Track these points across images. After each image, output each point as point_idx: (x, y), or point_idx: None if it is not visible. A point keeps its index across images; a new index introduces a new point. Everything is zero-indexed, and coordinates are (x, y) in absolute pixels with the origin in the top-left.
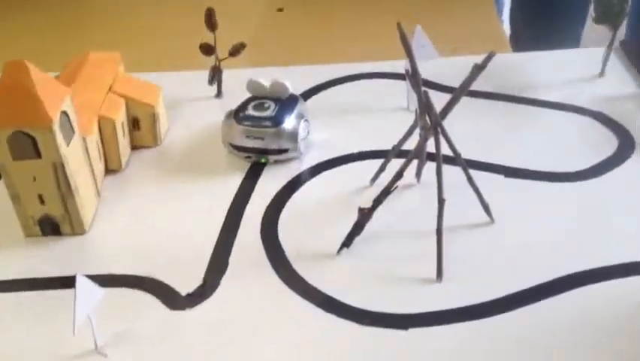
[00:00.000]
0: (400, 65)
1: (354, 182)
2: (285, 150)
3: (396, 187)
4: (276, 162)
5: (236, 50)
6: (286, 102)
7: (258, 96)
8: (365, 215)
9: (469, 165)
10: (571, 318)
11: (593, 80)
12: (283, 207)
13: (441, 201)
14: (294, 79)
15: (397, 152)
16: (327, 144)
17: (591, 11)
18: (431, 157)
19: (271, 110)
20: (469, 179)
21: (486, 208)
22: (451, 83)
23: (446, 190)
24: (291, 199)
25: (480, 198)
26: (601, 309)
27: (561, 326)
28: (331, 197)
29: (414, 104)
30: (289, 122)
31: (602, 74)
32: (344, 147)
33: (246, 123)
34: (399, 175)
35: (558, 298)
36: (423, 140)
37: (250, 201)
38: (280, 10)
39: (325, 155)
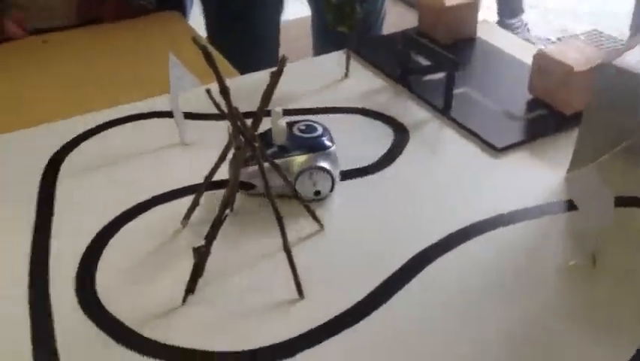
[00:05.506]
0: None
1: (164, 227)
2: None
3: (226, 216)
4: None
5: None
6: None
7: None
8: (203, 253)
9: None
10: (444, 286)
11: (342, 82)
12: (95, 269)
13: (280, 219)
14: None
15: (206, 184)
16: (111, 195)
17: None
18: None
19: None
20: (294, 191)
21: (313, 216)
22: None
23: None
24: (101, 261)
25: (307, 208)
26: (456, 278)
27: (435, 299)
28: (147, 250)
29: (186, 136)
30: None
31: (346, 75)
32: (136, 194)
33: None
34: (226, 203)
35: (414, 280)
36: (242, 159)
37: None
38: None
39: (116, 208)
